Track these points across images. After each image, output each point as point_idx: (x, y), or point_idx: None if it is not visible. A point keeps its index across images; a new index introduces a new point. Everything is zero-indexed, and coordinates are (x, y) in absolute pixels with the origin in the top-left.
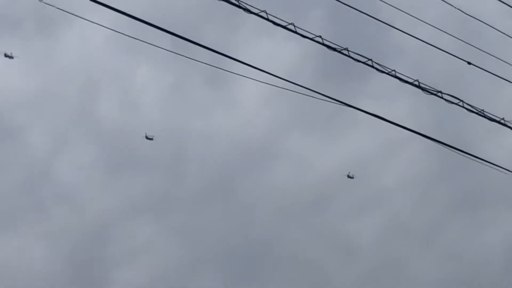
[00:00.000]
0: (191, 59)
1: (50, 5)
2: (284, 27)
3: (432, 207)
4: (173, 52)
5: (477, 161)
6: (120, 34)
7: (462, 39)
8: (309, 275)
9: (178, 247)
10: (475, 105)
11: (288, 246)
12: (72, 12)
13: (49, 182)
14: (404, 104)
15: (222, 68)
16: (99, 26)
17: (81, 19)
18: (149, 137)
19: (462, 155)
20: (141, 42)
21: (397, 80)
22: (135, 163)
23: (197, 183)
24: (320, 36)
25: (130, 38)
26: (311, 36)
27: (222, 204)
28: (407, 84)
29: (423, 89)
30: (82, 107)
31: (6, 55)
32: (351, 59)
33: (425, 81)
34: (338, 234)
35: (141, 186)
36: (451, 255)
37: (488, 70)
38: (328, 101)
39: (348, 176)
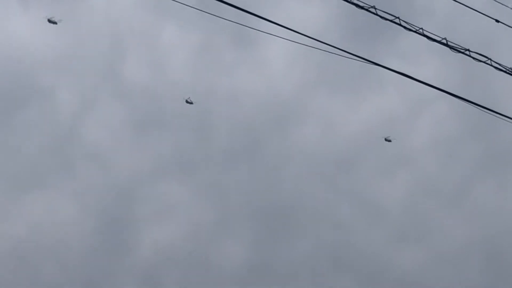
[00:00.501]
0: (218, 17)
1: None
2: None
3: (460, 167)
4: (200, 10)
5: (505, 120)
6: None
7: None
8: (336, 236)
9: (206, 206)
10: (504, 64)
11: (315, 206)
12: None
13: (77, 142)
14: (432, 63)
15: (249, 26)
16: None
17: None
18: (189, 101)
19: (491, 114)
20: (168, 0)
21: (425, 39)
22: (162, 123)
23: (224, 143)
24: None
25: None
26: None
27: (249, 164)
28: (434, 43)
29: (451, 47)
30: (109, 67)
31: (49, 21)
32: (378, 17)
33: (453, 39)
34: (366, 195)
35: (168, 146)
36: (480, 215)
37: None
38: (355, 59)
39: (386, 139)
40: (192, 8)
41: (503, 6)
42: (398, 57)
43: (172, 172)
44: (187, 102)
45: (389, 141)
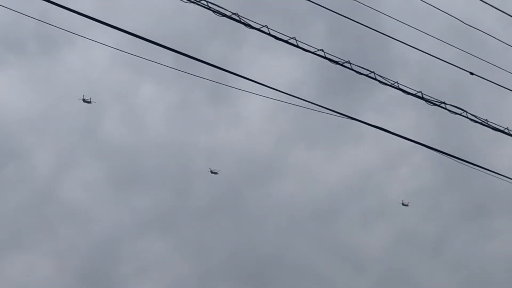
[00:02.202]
0: (195, 75)
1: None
2: (286, 41)
3: (438, 218)
4: (176, 69)
5: (482, 171)
6: (123, 52)
7: (464, 50)
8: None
9: (187, 262)
10: (479, 115)
11: (297, 258)
12: (74, 32)
13: (56, 201)
14: (407, 116)
15: (226, 84)
16: (102, 45)
17: (84, 38)
18: (214, 171)
19: (467, 166)
20: (144, 60)
21: (400, 92)
22: (142, 180)
23: (205, 198)
24: (322, 50)
25: (133, 56)
26: (313, 50)
27: (229, 219)
28: (410, 96)
29: (426, 100)
30: (87, 126)
31: (84, 101)
32: (353, 72)
33: (428, 92)
34: (346, 246)
35: (149, 203)
36: (458, 266)
37: (491, 80)
38: (331, 114)
39: (403, 204)
40: (169, 68)
41: (477, 58)
42: (374, 111)
43: (152, 229)
44: (212, 172)
45: (406, 205)
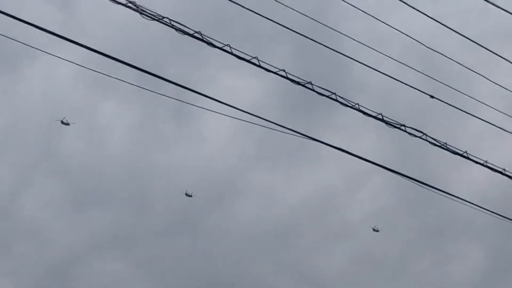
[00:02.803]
0: (157, 93)
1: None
2: (248, 61)
3: (398, 240)
4: (139, 87)
5: (441, 194)
6: (85, 70)
7: (425, 73)
8: None
9: (145, 281)
10: (438, 138)
11: (256, 279)
12: (36, 47)
13: (13, 220)
14: (368, 138)
15: (188, 102)
16: (63, 61)
17: (45, 53)
18: (188, 194)
19: (426, 188)
20: (107, 78)
21: (361, 114)
22: (101, 199)
23: (163, 218)
24: (284, 70)
25: (95, 74)
26: (275, 70)
27: (189, 238)
28: (370, 118)
29: (386, 122)
30: (47, 143)
31: (62, 122)
32: (315, 93)
33: (389, 114)
34: (305, 266)
35: (107, 222)
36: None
37: (451, 104)
38: (293, 135)
39: (374, 230)
40: (131, 85)
41: (437, 82)
42: (335, 132)
43: (111, 248)
44: (186, 195)
45: (377, 231)
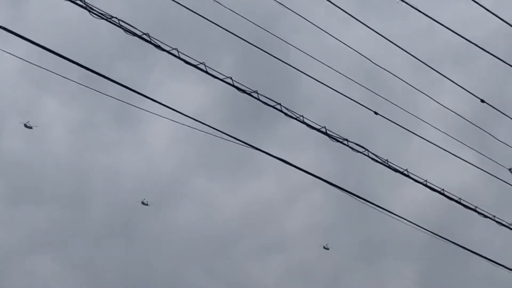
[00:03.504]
0: (100, 92)
1: None
2: (195, 66)
3: (334, 255)
4: (82, 85)
5: (379, 211)
6: (27, 65)
7: (371, 89)
8: None
9: (79, 283)
10: (380, 155)
11: (191, 285)
12: None
13: None
14: (311, 151)
15: (132, 104)
16: (6, 55)
17: None
18: (145, 203)
19: (365, 204)
20: (49, 74)
21: (305, 126)
22: (37, 198)
23: (101, 220)
24: (230, 78)
25: (38, 70)
26: (221, 77)
27: (125, 243)
28: (314, 131)
29: (329, 136)
30: None
31: (26, 126)
32: (260, 103)
33: (333, 129)
34: (240, 277)
35: (42, 222)
36: None
37: (394, 121)
38: (235, 142)
39: (324, 248)
40: (75, 83)
41: (382, 98)
42: (277, 143)
43: (45, 248)
44: (143, 203)
45: (327, 249)
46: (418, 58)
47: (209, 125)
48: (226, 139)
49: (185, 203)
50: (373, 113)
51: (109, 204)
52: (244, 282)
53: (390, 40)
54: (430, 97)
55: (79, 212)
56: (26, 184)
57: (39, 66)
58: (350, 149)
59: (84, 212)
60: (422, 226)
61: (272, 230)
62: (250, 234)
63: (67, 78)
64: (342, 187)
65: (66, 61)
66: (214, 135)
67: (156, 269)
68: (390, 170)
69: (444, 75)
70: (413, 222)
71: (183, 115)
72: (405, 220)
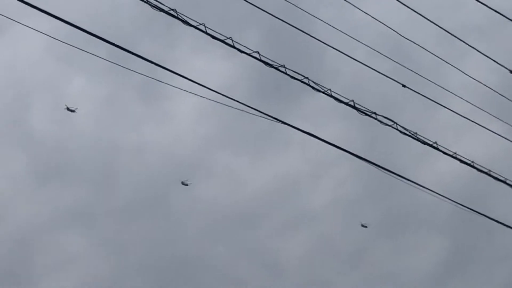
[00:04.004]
0: (127, 68)
1: None
2: (222, 41)
3: (361, 229)
4: (109, 61)
5: (408, 184)
6: (54, 42)
7: (398, 62)
8: None
9: (105, 259)
10: (409, 128)
11: (216, 261)
12: (6, 15)
13: None
14: (338, 125)
15: (158, 79)
16: (34, 32)
17: (14, 24)
18: (184, 183)
19: (394, 177)
20: (77, 51)
21: (332, 100)
22: (65, 174)
23: (128, 196)
24: (257, 52)
25: (65, 46)
26: (248, 51)
27: (151, 218)
28: (341, 104)
29: (358, 109)
30: (12, 115)
31: (68, 109)
32: (287, 77)
33: (360, 102)
34: (267, 251)
35: (69, 198)
36: (378, 277)
37: (423, 94)
38: (262, 117)
39: (362, 225)
40: (101, 59)
41: (410, 71)
42: (305, 117)
43: (73, 223)
44: (183, 184)
45: (365, 226)
46: (445, 29)
47: (235, 99)
48: (252, 113)
49: (211, 179)
50: (401, 86)
51: (135, 181)
52: (271, 258)
53: (417, 11)
54: (458, 69)
55: (106, 189)
56: (54, 161)
57: (66, 43)
58: (378, 122)
59: (111, 189)
60: (450, 198)
61: (298, 204)
62: (277, 209)
63: (93, 55)
64: (369, 159)
65: (92, 37)
66: (241, 110)
67: (182, 245)
68: (418, 142)
69: (472, 46)
70: (442, 194)
71: (209, 90)
72: (433, 192)
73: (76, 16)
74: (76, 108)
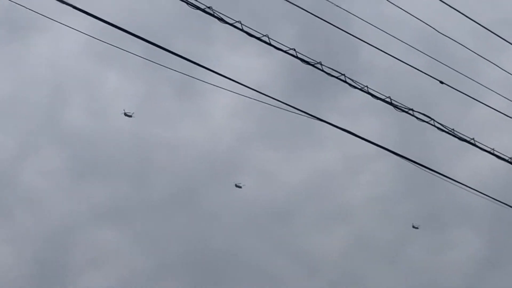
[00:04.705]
0: (163, 66)
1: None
2: (259, 38)
3: (395, 224)
4: (145, 59)
5: (445, 180)
6: (91, 40)
7: (435, 58)
8: (271, 287)
9: (141, 254)
10: (446, 124)
11: (251, 256)
12: (45, 15)
13: (14, 187)
14: (374, 121)
15: (194, 76)
16: (71, 31)
17: (54, 22)
18: (238, 185)
19: (430, 173)
20: (113, 49)
21: (369, 96)
22: (102, 170)
23: (163, 191)
24: (294, 49)
25: (102, 44)
26: (285, 48)
27: (186, 213)
28: (378, 101)
29: (395, 106)
30: (51, 112)
31: (126, 114)
32: (324, 74)
33: (397, 98)
34: (301, 247)
35: (106, 193)
36: (414, 272)
37: (460, 90)
38: (297, 113)
39: (413, 227)
40: (137, 57)
41: (447, 67)
42: (341, 113)
43: (108, 220)
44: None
45: (416, 228)
46: (482, 24)
47: (272, 96)
48: (288, 110)
49: (247, 174)
50: (438, 82)
51: (170, 176)
52: (307, 253)
53: (453, 7)
54: (495, 64)
55: (143, 185)
56: (90, 157)
57: (103, 41)
58: (415, 119)
59: (147, 185)
60: (488, 194)
61: (334, 200)
62: (313, 204)
63: (130, 52)
64: (405, 156)
65: (129, 35)
66: (277, 106)
67: (217, 241)
68: (455, 139)
69: (509, 41)
70: (479, 190)
71: (245, 87)
72: (469, 188)
73: (114, 15)
74: (133, 113)
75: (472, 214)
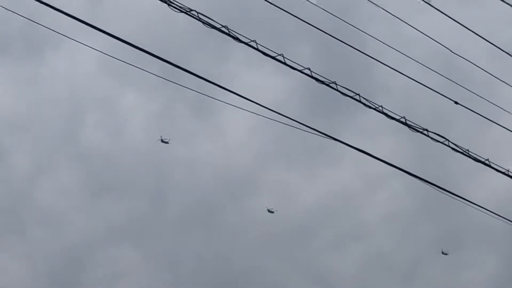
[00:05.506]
0: (179, 84)
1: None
2: (274, 57)
3: (413, 244)
4: (161, 77)
5: (460, 201)
6: (108, 58)
7: (450, 78)
8: None
9: (157, 273)
10: (461, 145)
11: (268, 276)
12: (62, 33)
13: (30, 204)
14: (389, 141)
15: (209, 95)
16: (88, 49)
17: (70, 40)
18: (271, 210)
19: (445, 194)
20: (129, 67)
21: (384, 116)
22: (118, 189)
23: (180, 210)
24: (309, 68)
25: (118, 62)
26: (300, 68)
27: (203, 232)
28: (392, 121)
29: (409, 126)
30: (67, 130)
31: (162, 141)
32: (338, 93)
33: (412, 118)
34: (319, 267)
35: (123, 211)
36: None
37: (475, 111)
38: (313, 133)
39: (443, 253)
40: (154, 75)
41: (462, 87)
42: (356, 133)
43: (125, 237)
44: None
45: (446, 254)
46: (497, 45)
47: (287, 115)
48: (304, 130)
49: (263, 194)
50: (452, 102)
51: (187, 195)
52: (323, 272)
53: (468, 27)
54: (510, 85)
55: (159, 203)
56: (106, 175)
57: (119, 59)
58: (429, 139)
59: (164, 203)
60: (503, 216)
61: (350, 219)
62: (329, 224)
63: (146, 71)
64: (421, 176)
65: (145, 53)
66: (292, 126)
67: (234, 259)
68: (470, 159)
69: None
70: (494, 212)
71: (260, 106)
72: (484, 209)
73: (129, 33)
74: (169, 140)
75: (489, 234)
